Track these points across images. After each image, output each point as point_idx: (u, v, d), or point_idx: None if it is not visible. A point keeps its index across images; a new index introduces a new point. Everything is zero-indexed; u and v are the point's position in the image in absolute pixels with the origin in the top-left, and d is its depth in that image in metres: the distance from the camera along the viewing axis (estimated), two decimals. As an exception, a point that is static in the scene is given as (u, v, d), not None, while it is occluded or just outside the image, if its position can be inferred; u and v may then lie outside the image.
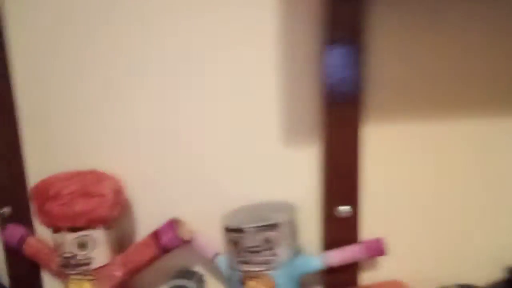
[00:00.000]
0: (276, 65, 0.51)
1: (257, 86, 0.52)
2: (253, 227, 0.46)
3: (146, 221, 0.56)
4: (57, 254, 0.51)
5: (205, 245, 0.52)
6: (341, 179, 0.51)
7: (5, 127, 0.59)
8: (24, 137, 0.59)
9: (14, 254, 0.61)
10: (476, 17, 0.48)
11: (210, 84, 0.52)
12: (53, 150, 0.59)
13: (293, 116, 0.52)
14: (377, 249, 0.49)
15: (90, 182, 0.49)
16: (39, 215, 0.49)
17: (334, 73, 0.48)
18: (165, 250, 0.51)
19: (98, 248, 0.51)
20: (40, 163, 0.60)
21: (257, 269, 0.47)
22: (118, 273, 0.52)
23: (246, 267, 0.47)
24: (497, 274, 0.53)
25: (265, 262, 0.47)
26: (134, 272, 0.53)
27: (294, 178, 0.53)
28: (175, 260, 0.56)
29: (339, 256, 0.50)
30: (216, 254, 0.52)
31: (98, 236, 0.50)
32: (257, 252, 0.47)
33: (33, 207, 0.50)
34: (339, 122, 0.49)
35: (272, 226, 0.46)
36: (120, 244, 0.55)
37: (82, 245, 0.50)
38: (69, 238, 0.49)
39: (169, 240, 0.50)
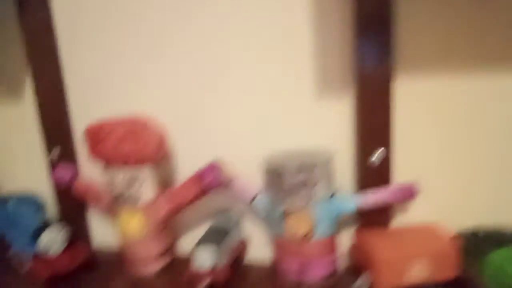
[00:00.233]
0: (310, 19, 0.52)
1: (292, 37, 0.53)
2: (294, 167, 0.49)
3: (188, 163, 0.59)
4: (108, 191, 0.55)
5: (244, 187, 0.55)
6: (373, 126, 0.52)
7: (50, 73, 0.62)
8: (68, 82, 0.63)
9: (63, 193, 0.65)
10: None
11: (249, 32, 0.54)
12: (96, 95, 0.62)
13: (327, 69, 0.53)
14: (409, 192, 0.51)
15: (138, 125, 0.52)
16: (92, 154, 0.53)
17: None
18: (206, 191, 0.54)
19: (146, 186, 0.54)
20: (83, 107, 0.63)
21: (296, 207, 0.50)
22: (164, 209, 0.56)
23: (286, 206, 0.50)
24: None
25: (305, 201, 0.50)
26: (177, 209, 0.57)
27: (328, 128, 0.55)
28: (214, 201, 0.60)
29: (372, 198, 0.52)
30: (255, 196, 0.54)
31: (146, 174, 0.54)
32: (297, 191, 0.49)
33: (86, 147, 0.53)
34: (372, 76, 0.50)
35: (311, 166, 0.49)
36: (164, 184, 0.59)
37: (131, 183, 0.53)
38: (120, 176, 0.53)
39: (211, 181, 0.53)
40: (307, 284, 0.51)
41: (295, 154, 0.53)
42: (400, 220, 0.55)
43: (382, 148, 0.52)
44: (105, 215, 0.61)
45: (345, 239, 0.56)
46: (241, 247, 0.58)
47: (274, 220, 0.52)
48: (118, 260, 0.61)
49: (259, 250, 0.60)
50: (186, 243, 0.63)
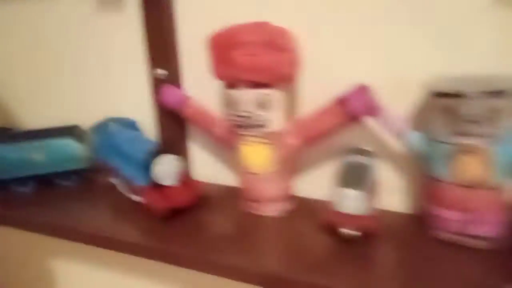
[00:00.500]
0: None
1: None
2: (478, 92, 0.38)
3: (320, 88, 0.49)
4: (227, 116, 0.47)
5: (396, 117, 0.45)
6: None
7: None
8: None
9: (164, 120, 0.58)
10: None
11: None
12: (208, 8, 0.52)
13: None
14: None
15: (274, 34, 0.42)
16: (219, 66, 0.44)
17: None
18: (351, 118, 0.44)
19: (276, 110, 0.45)
20: (193, 20, 0.54)
21: (475, 142, 0.39)
22: (294, 140, 0.48)
23: (461, 140, 0.40)
24: None
25: (486, 136, 0.39)
26: (309, 142, 0.48)
27: None
28: (342, 136, 0.50)
29: None
30: (408, 128, 0.44)
31: (277, 96, 0.45)
32: (478, 122, 0.39)
33: (212, 57, 0.45)
34: None
35: (500, 93, 0.38)
36: (292, 111, 0.50)
37: (261, 104, 0.45)
38: (248, 95, 0.44)
39: (359, 107, 0.43)
40: (470, 242, 0.42)
41: (471, 79, 0.41)
42: None
43: None
44: (219, 145, 0.53)
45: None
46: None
47: (435, 160, 0.42)
48: (230, 197, 0.54)
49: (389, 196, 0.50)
50: (304, 183, 0.54)
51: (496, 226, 0.41)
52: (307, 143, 0.48)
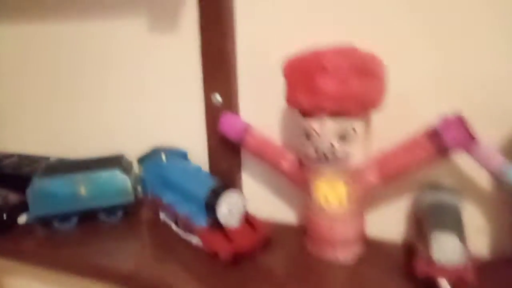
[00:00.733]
0: None
1: None
2: None
3: (399, 118, 0.45)
4: (306, 144, 0.42)
5: (491, 150, 0.40)
6: None
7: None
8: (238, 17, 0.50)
9: (217, 147, 0.54)
10: None
11: None
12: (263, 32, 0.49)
13: None
14: None
15: (365, 60, 0.38)
16: (298, 93, 0.40)
17: None
18: (443, 153, 0.40)
19: (358, 142, 0.41)
20: (254, 43, 0.51)
21: None
22: (372, 177, 0.43)
23: None
24: None
25: None
26: (390, 178, 0.43)
27: None
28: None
29: None
30: (506, 163, 0.39)
31: (360, 127, 0.40)
32: None
33: (289, 83, 0.41)
34: None
35: None
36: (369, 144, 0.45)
37: (343, 136, 0.40)
38: (331, 127, 0.40)
39: (455, 140, 0.38)
40: None
41: None
42: None
43: None
44: (287, 179, 0.48)
45: None
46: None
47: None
48: (292, 237, 0.49)
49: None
50: (375, 222, 0.49)
51: None
52: (387, 180, 0.43)
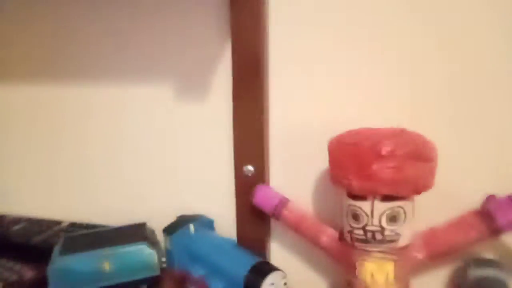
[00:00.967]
0: None
1: None
2: None
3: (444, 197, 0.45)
4: (353, 226, 0.41)
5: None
6: None
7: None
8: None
9: (245, 216, 0.53)
10: None
11: None
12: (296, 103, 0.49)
13: None
14: None
15: (418, 144, 0.38)
16: (353, 176, 0.39)
17: None
18: (493, 234, 0.39)
19: (407, 224, 0.40)
20: (282, 116, 0.50)
21: None
22: (419, 254, 0.42)
23: None
24: None
25: None
26: (436, 256, 0.42)
27: None
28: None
29: None
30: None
31: (410, 208, 0.40)
32: None
33: (346, 165, 0.40)
34: None
35: None
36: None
37: (393, 218, 0.39)
38: (381, 209, 0.39)
39: (508, 221, 0.38)
40: None
41: None
42: None
43: None
44: (326, 254, 0.47)
45: None
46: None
47: None
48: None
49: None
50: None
51: None
52: (434, 257, 0.42)
